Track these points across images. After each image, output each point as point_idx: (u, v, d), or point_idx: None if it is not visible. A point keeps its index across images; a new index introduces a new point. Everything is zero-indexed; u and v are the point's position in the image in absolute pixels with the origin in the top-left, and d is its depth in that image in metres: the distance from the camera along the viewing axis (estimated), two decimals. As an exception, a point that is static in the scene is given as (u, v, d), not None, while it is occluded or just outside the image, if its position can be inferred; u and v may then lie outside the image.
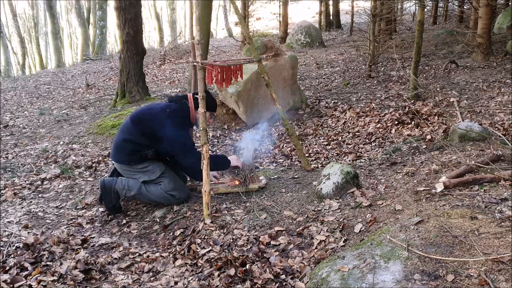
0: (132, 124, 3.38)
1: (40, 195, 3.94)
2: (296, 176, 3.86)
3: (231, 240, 2.83)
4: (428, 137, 4.47)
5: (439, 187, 2.93)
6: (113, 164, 4.10)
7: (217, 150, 5.07)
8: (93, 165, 4.72)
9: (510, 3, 11.02)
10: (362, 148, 4.71)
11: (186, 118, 3.41)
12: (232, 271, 2.43)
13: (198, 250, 2.73)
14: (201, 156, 3.18)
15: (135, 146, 3.34)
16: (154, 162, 3.45)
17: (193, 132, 3.96)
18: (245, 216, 3.14)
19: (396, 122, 5.16)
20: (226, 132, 5.76)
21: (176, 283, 2.44)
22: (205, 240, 2.85)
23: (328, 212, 3.04)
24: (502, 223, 2.32)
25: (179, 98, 3.48)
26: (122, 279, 2.49)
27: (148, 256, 2.77)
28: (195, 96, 3.32)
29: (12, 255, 2.65)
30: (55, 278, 2.41)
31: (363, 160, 4.25)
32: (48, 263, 2.60)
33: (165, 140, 3.31)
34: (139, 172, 3.43)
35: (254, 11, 15.52)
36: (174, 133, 3.28)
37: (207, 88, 4.25)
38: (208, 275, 2.46)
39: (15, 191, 3.99)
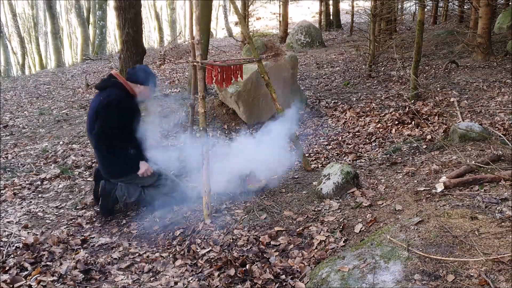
0: (90, 134, 3.29)
1: (40, 195, 3.94)
2: (296, 176, 3.86)
3: (231, 240, 2.83)
4: (428, 137, 4.47)
5: (439, 187, 2.93)
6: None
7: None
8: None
9: (510, 3, 11.01)
10: (362, 148, 4.71)
11: (125, 97, 3.21)
12: (232, 271, 2.43)
13: (198, 250, 2.73)
14: (109, 150, 3.12)
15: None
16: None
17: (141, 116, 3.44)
18: (245, 216, 3.13)
19: (396, 122, 5.16)
20: (226, 132, 5.76)
21: (176, 283, 2.44)
22: (205, 240, 2.85)
23: (328, 212, 3.03)
24: (502, 223, 2.31)
25: (107, 80, 3.27)
26: (122, 279, 2.49)
27: (148, 256, 2.77)
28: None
29: (12, 255, 2.65)
30: (55, 278, 2.41)
31: (363, 160, 4.25)
32: (48, 263, 2.59)
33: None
34: (135, 177, 3.37)
35: (254, 11, 15.52)
36: (104, 117, 3.13)
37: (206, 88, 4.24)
38: (208, 275, 2.46)
39: (15, 191, 3.98)
